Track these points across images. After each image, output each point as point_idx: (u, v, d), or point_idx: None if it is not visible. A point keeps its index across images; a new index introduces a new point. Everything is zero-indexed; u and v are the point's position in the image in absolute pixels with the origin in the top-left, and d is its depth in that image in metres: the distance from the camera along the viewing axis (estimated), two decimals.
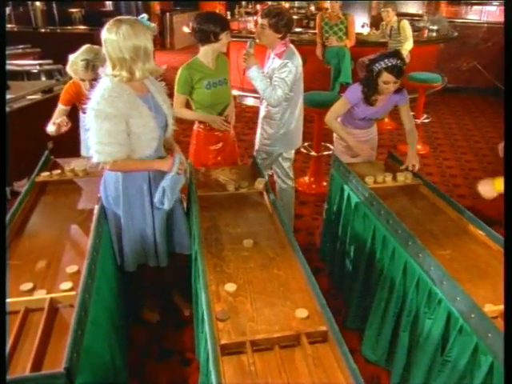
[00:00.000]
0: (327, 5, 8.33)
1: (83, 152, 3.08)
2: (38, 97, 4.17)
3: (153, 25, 1.93)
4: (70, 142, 3.31)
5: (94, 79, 2.50)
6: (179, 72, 2.56)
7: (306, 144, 4.36)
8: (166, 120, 2.07)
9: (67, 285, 1.67)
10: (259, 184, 2.35)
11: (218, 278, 1.72)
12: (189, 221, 2.33)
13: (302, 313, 1.53)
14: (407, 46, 5.22)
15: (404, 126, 2.79)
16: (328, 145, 4.29)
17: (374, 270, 2.22)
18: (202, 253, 1.82)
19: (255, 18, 6.57)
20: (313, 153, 4.08)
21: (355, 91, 2.68)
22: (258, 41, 2.93)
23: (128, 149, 1.94)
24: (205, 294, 1.56)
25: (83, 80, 2.54)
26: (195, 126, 2.75)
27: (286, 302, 1.60)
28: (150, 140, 2.01)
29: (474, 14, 10.00)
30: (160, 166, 2.07)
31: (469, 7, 10.15)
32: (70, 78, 2.79)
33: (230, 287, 1.66)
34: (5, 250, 1.82)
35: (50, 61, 5.09)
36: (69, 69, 2.54)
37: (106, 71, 1.90)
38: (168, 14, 11.50)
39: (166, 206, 2.09)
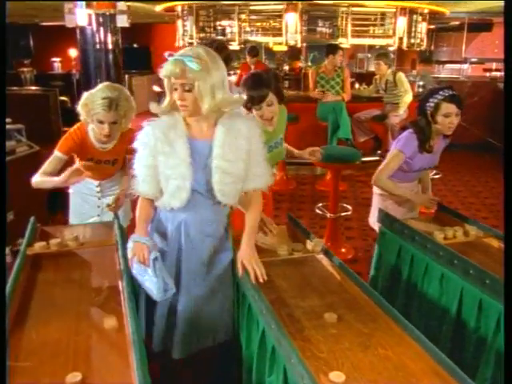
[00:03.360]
0: (301, 64, 8.81)
1: (72, 219, 2.77)
2: None
3: None
4: (41, 209, 3.00)
5: (115, 122, 2.30)
6: None
7: (320, 205, 4.24)
8: (206, 181, 1.86)
9: None
10: (316, 246, 2.15)
11: (314, 366, 1.45)
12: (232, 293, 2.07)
13: None
14: (407, 99, 5.43)
15: None
16: (345, 205, 4.18)
17: (467, 343, 2.00)
18: (284, 334, 1.54)
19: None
20: (329, 214, 3.95)
21: (410, 141, 2.62)
22: None
23: (154, 189, 1.88)
24: None
25: (102, 122, 2.31)
26: None
27: None
28: (179, 189, 1.84)
29: (446, 72, 10.88)
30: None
31: (441, 66, 11.06)
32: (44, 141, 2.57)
33: (337, 377, 1.38)
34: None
35: (9, 119, 4.82)
36: (81, 108, 2.33)
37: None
38: (126, 76, 11.64)
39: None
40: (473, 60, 9.84)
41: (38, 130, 6.07)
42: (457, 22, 9.87)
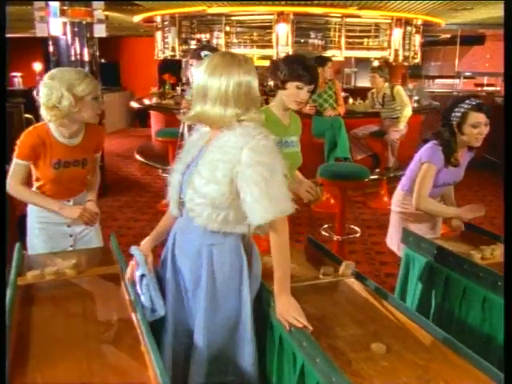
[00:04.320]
0: None
1: (33, 249, 2.55)
2: None
3: None
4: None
5: (96, 97, 2.34)
6: None
7: (325, 226, 4.19)
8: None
9: None
10: (347, 269, 2.08)
11: None
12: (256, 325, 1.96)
13: None
14: (407, 113, 5.49)
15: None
16: (353, 227, 4.14)
17: None
18: (335, 369, 1.45)
19: None
20: (335, 237, 3.89)
21: (436, 152, 2.61)
22: None
23: None
24: None
25: (97, 98, 2.30)
26: None
27: None
28: (171, 196, 1.86)
29: (436, 87, 11.16)
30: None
31: (431, 81, 11.34)
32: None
33: None
34: None
35: None
36: (67, 93, 2.22)
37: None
38: None
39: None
40: (467, 74, 10.10)
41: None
42: (447, 35, 10.17)
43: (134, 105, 7.29)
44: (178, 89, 8.17)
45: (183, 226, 1.87)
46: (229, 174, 1.67)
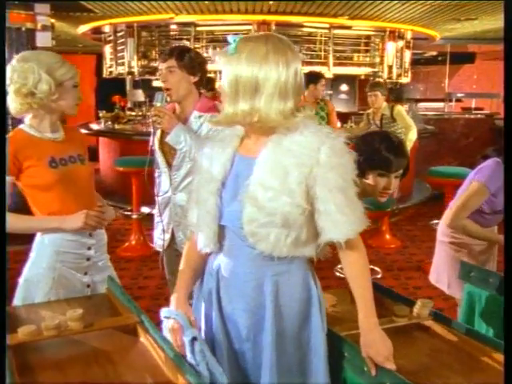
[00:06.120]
0: None
1: (18, 300, 2.33)
2: None
3: None
4: None
5: (76, 85, 2.32)
6: None
7: (339, 266, 4.10)
8: (237, 215, 1.65)
9: None
10: (424, 309, 1.99)
11: None
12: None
13: None
14: (412, 136, 5.56)
15: None
16: (372, 267, 4.05)
17: None
18: None
19: None
20: None
21: (497, 173, 2.58)
22: (168, 97, 2.84)
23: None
24: None
25: (76, 85, 2.31)
26: None
27: None
28: (204, 225, 1.72)
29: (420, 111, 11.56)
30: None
31: (414, 104, 11.75)
32: None
33: None
34: None
35: None
36: (47, 77, 2.18)
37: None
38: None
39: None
40: (459, 96, 10.46)
41: None
42: (433, 53, 10.58)
43: (82, 131, 7.05)
44: (129, 113, 8.03)
45: (231, 260, 1.73)
46: (304, 181, 1.58)
